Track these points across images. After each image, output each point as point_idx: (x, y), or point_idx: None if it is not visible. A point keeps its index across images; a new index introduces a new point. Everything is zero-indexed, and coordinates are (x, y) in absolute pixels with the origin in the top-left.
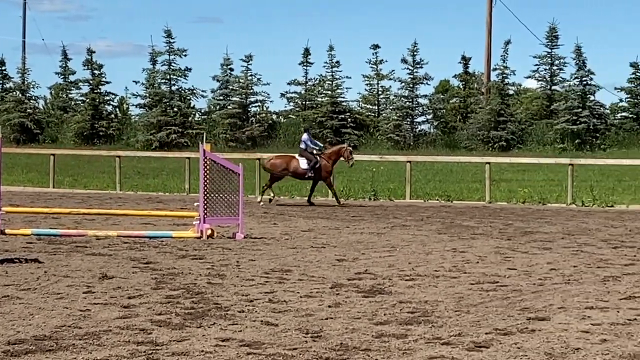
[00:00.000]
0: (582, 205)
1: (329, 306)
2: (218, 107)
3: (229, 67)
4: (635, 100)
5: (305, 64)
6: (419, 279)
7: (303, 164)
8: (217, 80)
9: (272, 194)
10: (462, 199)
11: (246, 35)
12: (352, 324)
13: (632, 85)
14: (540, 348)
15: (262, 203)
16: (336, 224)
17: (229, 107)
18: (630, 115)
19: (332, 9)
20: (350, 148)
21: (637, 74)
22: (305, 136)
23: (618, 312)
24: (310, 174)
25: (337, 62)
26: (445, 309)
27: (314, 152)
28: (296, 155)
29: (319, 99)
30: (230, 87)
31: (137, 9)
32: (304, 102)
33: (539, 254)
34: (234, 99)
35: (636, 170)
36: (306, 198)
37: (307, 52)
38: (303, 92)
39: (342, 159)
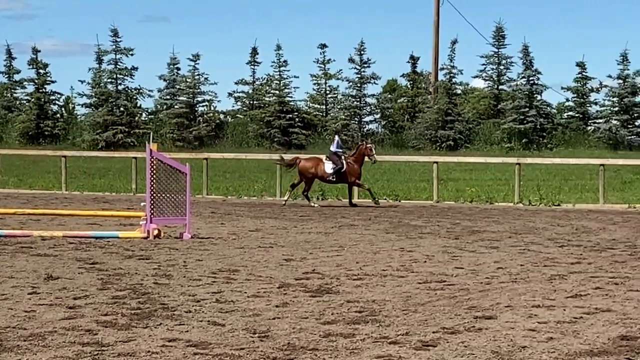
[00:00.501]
0: (529, 204)
1: (277, 306)
2: (165, 106)
3: (175, 66)
4: (582, 100)
5: (252, 63)
6: (366, 278)
7: (328, 168)
8: (164, 80)
9: (287, 196)
10: (410, 198)
11: (193, 35)
12: (300, 323)
13: (578, 84)
14: (487, 346)
15: (285, 202)
16: (284, 224)
17: (176, 106)
18: (577, 115)
19: (279, 8)
20: (370, 145)
21: (584, 73)
22: (336, 138)
23: (564, 310)
24: (332, 178)
25: (285, 61)
26: (392, 308)
27: (342, 155)
28: (324, 158)
29: (267, 99)
30: (177, 87)
31: (84, 7)
32: (251, 102)
33: (486, 253)
34: (181, 98)
35: (582, 169)
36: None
37: (254, 51)
38: (251, 91)
39: (366, 158)
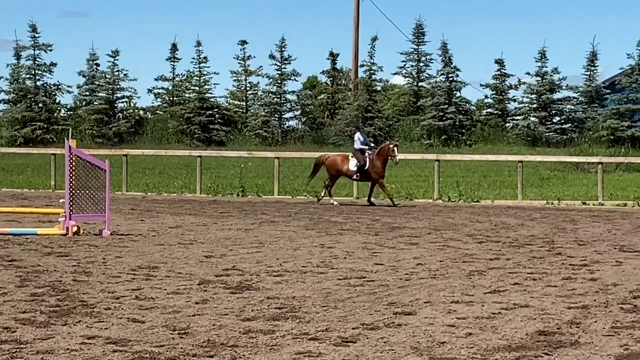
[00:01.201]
0: (449, 200)
1: (196, 303)
2: (84, 102)
3: (95, 62)
4: (500, 97)
5: (172, 59)
6: (286, 274)
7: (352, 165)
8: (83, 76)
9: (322, 194)
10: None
11: (113, 30)
12: (220, 320)
13: (497, 81)
14: (407, 342)
15: (334, 202)
16: (204, 221)
17: (95, 102)
18: (496, 112)
19: (200, 4)
20: (393, 145)
21: (502, 70)
22: (357, 135)
23: (483, 306)
24: (356, 176)
25: (205, 57)
26: (312, 304)
27: (366, 152)
28: (350, 155)
29: (187, 95)
30: (97, 83)
31: (1, 3)
32: (171, 98)
33: (405, 249)
34: (100, 94)
35: (501, 165)
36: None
37: (174, 47)
38: (170, 88)
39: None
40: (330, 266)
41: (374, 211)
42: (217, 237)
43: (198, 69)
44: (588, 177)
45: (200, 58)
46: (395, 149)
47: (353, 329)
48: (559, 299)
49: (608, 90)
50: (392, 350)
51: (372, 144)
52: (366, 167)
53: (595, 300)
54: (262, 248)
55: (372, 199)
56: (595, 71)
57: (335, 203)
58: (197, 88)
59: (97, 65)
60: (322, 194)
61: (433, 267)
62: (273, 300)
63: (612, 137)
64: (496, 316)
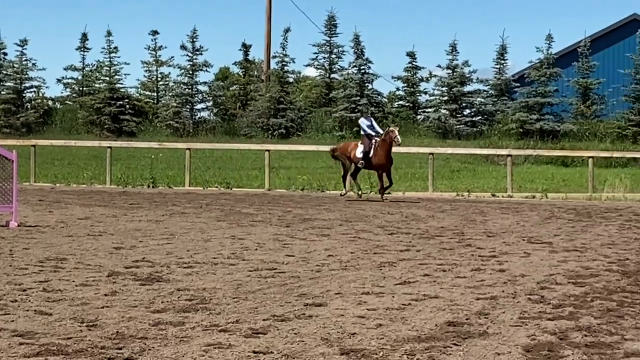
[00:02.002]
0: (360, 192)
1: (105, 295)
2: None
3: (2, 51)
4: (412, 89)
5: (82, 49)
6: (197, 266)
7: (359, 151)
8: None
9: (346, 189)
10: (242, 186)
11: (21, 19)
12: (129, 312)
13: (409, 74)
14: (317, 333)
15: (361, 194)
16: (114, 212)
17: (2, 92)
18: (407, 104)
19: None
20: (393, 128)
21: (414, 63)
22: (361, 120)
23: (393, 297)
24: (361, 163)
25: (116, 47)
26: (223, 296)
27: (373, 139)
28: (359, 143)
29: (97, 85)
30: (4, 72)
31: None
32: (81, 88)
33: (317, 241)
34: (8, 84)
35: (412, 158)
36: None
37: (84, 37)
38: (80, 77)
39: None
40: (241, 258)
41: (286, 203)
42: (127, 229)
43: (108, 59)
44: (497, 170)
45: (110, 48)
46: (395, 129)
47: (264, 320)
48: (468, 290)
49: (517, 84)
50: (303, 341)
51: (380, 130)
52: (370, 155)
53: (503, 291)
54: (172, 239)
55: (383, 193)
56: (505, 64)
57: (344, 192)
58: (107, 78)
59: (5, 54)
60: (347, 190)
61: (344, 258)
62: (183, 292)
63: (521, 130)
64: (406, 307)
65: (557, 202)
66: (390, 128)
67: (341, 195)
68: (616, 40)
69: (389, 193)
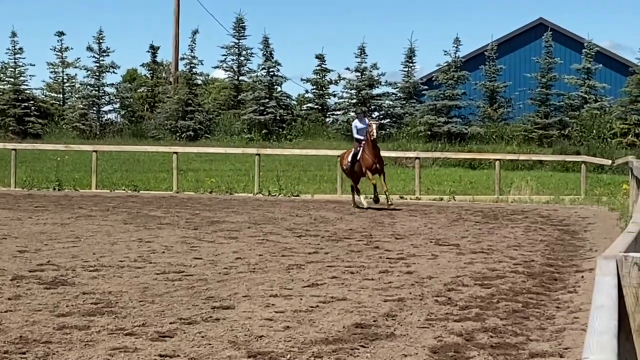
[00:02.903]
0: (269, 194)
1: (9, 299)
2: None
3: None
4: (321, 92)
5: None
6: (103, 269)
7: (350, 156)
8: None
9: (364, 196)
10: (150, 188)
11: None
12: (33, 316)
13: (318, 77)
14: (225, 336)
15: (365, 204)
16: (18, 215)
17: None
18: (316, 107)
19: None
20: (371, 122)
21: (323, 65)
22: (354, 123)
23: (301, 299)
24: (346, 168)
25: (21, 48)
26: (129, 299)
27: (362, 142)
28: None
29: (1, 87)
30: None
31: None
32: None
33: (225, 244)
34: None
35: (321, 160)
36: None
37: None
38: None
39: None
40: (148, 261)
41: (194, 205)
42: (32, 232)
43: (13, 60)
44: (406, 172)
45: (15, 49)
46: (373, 123)
47: (170, 323)
48: (376, 292)
49: (425, 87)
50: (210, 344)
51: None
52: (358, 158)
53: (411, 293)
54: (78, 243)
55: (388, 199)
56: (413, 68)
57: (358, 199)
58: (12, 79)
59: None
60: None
61: (252, 261)
62: (89, 296)
63: (429, 133)
64: (314, 309)
65: (464, 205)
66: (368, 122)
67: (360, 207)
68: (522, 44)
69: (377, 200)
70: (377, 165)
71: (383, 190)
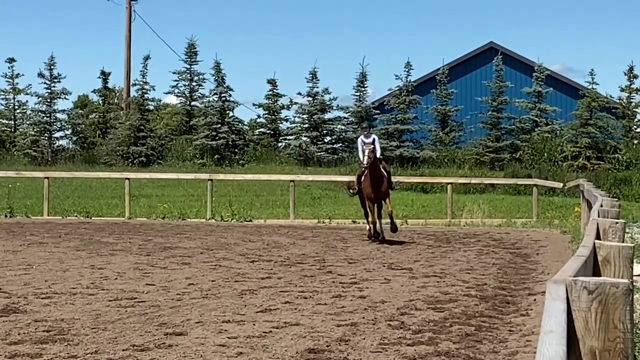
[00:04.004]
0: (222, 220)
1: None
2: None
3: None
4: (273, 117)
5: None
6: (55, 296)
7: (356, 177)
8: None
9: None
10: (102, 215)
11: None
12: None
13: (270, 101)
14: None
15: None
16: None
17: None
18: (268, 131)
19: None
20: (366, 147)
21: (275, 90)
22: (360, 139)
23: (254, 324)
24: (353, 190)
25: None
26: (81, 326)
27: (364, 161)
28: None
29: None
30: None
31: None
32: None
33: (178, 269)
34: None
35: (273, 185)
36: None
37: None
38: None
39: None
40: (100, 287)
41: (146, 231)
42: None
43: None
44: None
45: None
46: (366, 149)
47: (123, 350)
48: (329, 316)
49: (377, 111)
50: None
51: (379, 150)
52: (362, 180)
53: (364, 318)
54: (30, 270)
55: (393, 223)
56: (365, 92)
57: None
58: None
59: None
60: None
61: (205, 286)
62: (41, 323)
63: (381, 157)
64: (267, 335)
65: (417, 228)
66: (365, 141)
67: (372, 238)
68: (473, 67)
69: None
70: (379, 194)
71: (387, 211)
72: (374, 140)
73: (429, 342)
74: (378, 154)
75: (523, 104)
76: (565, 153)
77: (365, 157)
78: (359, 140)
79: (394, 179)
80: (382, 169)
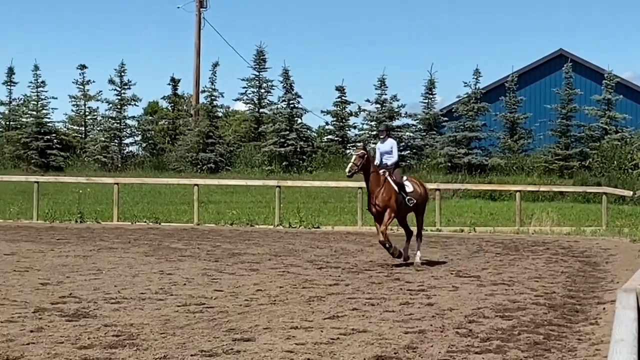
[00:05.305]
0: (289, 226)
1: (31, 331)
2: None
3: None
4: (341, 124)
5: (9, 83)
6: (124, 301)
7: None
8: None
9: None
10: (171, 221)
11: None
12: (55, 348)
13: (338, 108)
14: None
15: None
16: (41, 247)
17: None
18: (336, 138)
19: (37, 27)
20: (354, 152)
21: (343, 97)
22: (378, 145)
23: (322, 331)
24: (377, 207)
25: (43, 82)
26: (150, 331)
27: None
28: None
29: (24, 120)
30: None
31: None
32: (8, 123)
33: (245, 275)
34: None
35: (341, 192)
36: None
37: (11, 71)
38: (7, 112)
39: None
40: (169, 293)
41: (215, 237)
42: (54, 264)
43: (36, 94)
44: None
45: (38, 82)
46: (354, 154)
47: (191, 356)
48: (397, 323)
49: (445, 118)
50: None
51: (396, 156)
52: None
53: (431, 325)
54: (100, 275)
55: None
56: (433, 99)
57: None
58: (34, 112)
59: None
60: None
61: (273, 293)
62: (110, 328)
63: (449, 164)
64: (334, 342)
65: (485, 236)
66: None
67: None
68: (543, 75)
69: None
70: (375, 208)
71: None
72: (391, 147)
73: (497, 350)
74: (391, 162)
75: (593, 111)
76: (636, 161)
77: (349, 165)
78: (377, 146)
79: (462, 186)
80: (388, 179)
